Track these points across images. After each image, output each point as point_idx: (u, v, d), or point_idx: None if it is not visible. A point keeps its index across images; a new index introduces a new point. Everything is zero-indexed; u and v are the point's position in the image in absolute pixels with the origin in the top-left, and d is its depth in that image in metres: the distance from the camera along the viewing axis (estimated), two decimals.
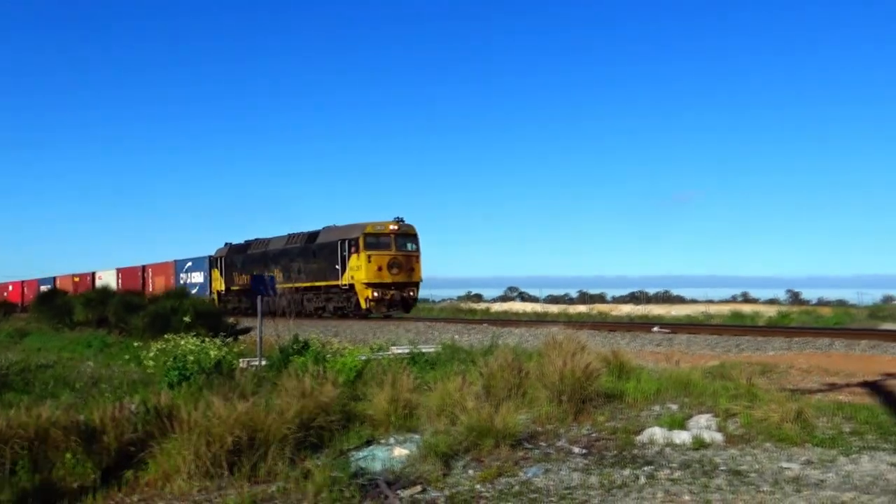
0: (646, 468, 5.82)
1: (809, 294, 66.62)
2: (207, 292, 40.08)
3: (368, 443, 7.02)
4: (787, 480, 5.39)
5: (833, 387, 9.33)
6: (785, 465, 5.72)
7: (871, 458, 5.77)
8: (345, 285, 29.26)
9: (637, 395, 8.38)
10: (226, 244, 40.26)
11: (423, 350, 12.51)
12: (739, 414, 7.16)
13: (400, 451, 6.53)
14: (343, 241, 29.45)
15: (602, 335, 17.07)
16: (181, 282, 42.93)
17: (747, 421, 6.96)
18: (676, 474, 5.64)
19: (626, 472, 5.77)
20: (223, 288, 38.49)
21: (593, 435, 7.02)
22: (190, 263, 43.33)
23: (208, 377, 9.80)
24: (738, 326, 19.97)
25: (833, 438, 6.41)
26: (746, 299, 67.91)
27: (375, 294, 28.28)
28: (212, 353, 11.13)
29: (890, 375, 9.92)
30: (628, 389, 8.55)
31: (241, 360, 12.11)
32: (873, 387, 9.10)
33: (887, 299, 38.26)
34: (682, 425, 6.97)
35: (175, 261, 44.80)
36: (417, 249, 29.89)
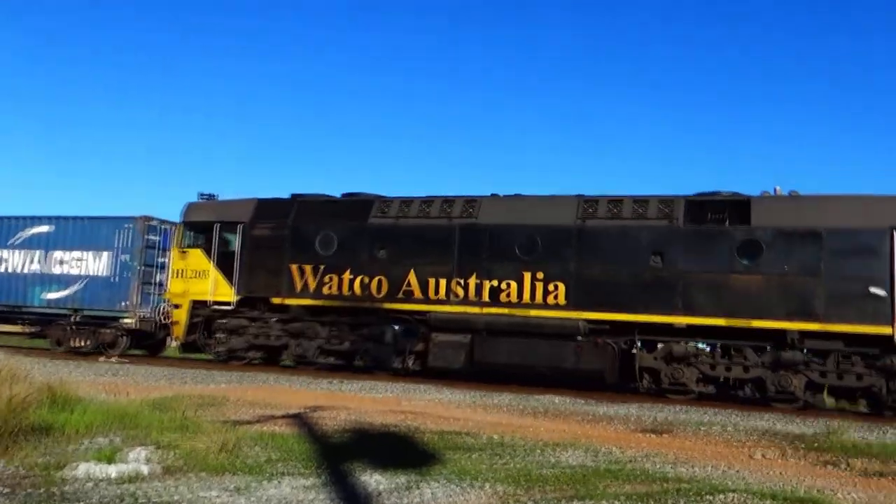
0: None
1: None
2: (131, 301, 18.98)
3: None
4: None
5: (271, 418, 9.91)
6: (215, 493, 5.77)
7: (290, 482, 6.21)
8: None
9: (80, 427, 7.67)
10: (207, 196, 18.84)
11: None
12: (179, 445, 7.08)
13: None
14: None
15: (53, 363, 15.45)
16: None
17: (186, 452, 6.90)
18: None
19: None
20: (231, 296, 17.25)
21: (21, 472, 6.20)
22: (47, 229, 20.01)
23: None
24: (191, 359, 19.35)
25: (261, 465, 6.71)
26: None
27: None
28: None
29: (318, 407, 10.99)
30: (69, 422, 7.79)
31: None
32: (302, 417, 9.94)
33: None
34: (118, 458, 6.57)
35: None
36: None
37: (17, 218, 21.07)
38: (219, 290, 17.42)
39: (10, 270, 20.24)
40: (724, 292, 13.86)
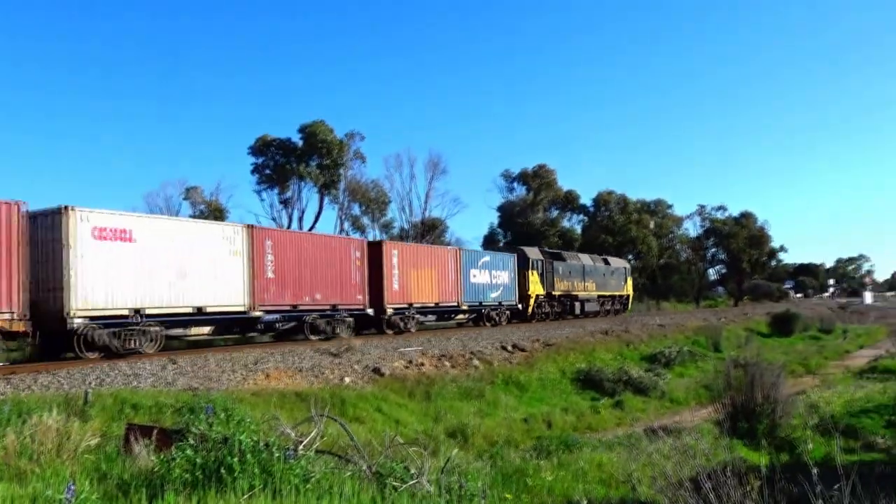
0: None
1: None
2: (515, 297, 35.16)
3: None
4: None
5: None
6: None
7: None
8: None
9: None
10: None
11: None
12: None
13: None
14: None
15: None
16: (471, 280, 31.51)
17: None
18: None
19: None
20: (543, 292, 37.03)
21: None
22: (486, 259, 33.57)
23: None
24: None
25: None
26: None
27: None
28: None
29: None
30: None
31: None
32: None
33: None
34: None
35: (461, 249, 32.71)
36: None
37: (475, 251, 34.92)
38: (538, 291, 38.34)
39: (477, 282, 32.32)
40: (605, 282, 47.43)
